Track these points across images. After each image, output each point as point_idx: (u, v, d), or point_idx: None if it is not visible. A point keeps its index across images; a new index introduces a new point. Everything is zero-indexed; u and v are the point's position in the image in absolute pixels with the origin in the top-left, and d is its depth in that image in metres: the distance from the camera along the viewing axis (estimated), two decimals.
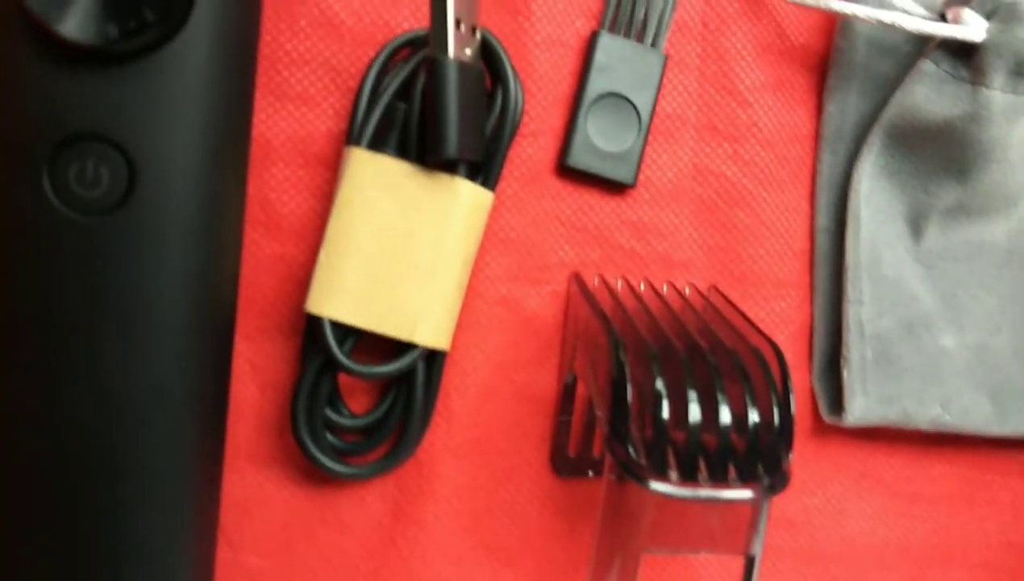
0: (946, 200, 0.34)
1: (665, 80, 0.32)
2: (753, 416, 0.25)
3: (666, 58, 0.32)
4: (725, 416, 0.24)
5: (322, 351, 0.28)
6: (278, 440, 0.30)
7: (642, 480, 0.24)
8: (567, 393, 0.32)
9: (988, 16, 0.30)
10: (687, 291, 0.33)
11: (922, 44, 0.32)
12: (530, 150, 0.32)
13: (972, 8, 0.30)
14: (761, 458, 0.25)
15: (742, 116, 0.33)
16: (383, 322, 0.28)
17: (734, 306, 0.30)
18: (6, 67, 0.23)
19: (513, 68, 0.29)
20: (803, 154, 0.34)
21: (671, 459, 0.24)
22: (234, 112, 0.26)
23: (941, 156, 0.33)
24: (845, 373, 0.33)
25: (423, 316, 0.28)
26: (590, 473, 0.33)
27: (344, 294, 0.28)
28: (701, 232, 0.33)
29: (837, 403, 0.34)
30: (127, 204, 0.24)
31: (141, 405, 0.25)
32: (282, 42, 0.29)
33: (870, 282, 0.33)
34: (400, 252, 0.28)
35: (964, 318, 0.35)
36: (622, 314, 0.28)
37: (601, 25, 0.31)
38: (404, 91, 0.29)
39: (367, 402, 0.31)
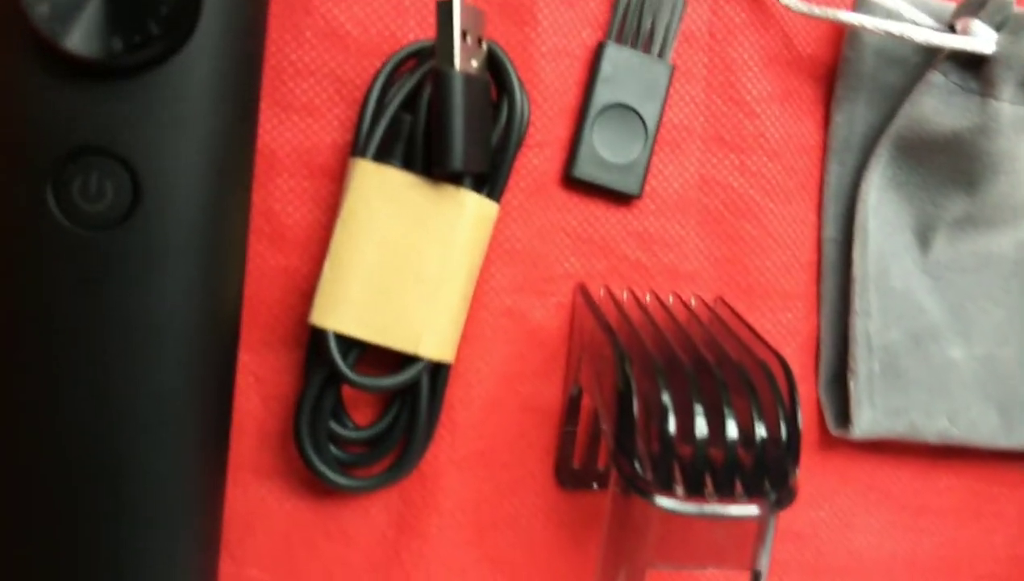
0: (954, 212, 0.33)
1: (672, 91, 0.32)
2: (760, 431, 0.24)
3: (673, 69, 0.32)
4: (732, 430, 0.24)
5: (326, 363, 0.28)
6: (281, 452, 0.30)
7: (648, 496, 0.24)
8: (572, 405, 0.32)
9: (998, 28, 0.30)
10: (693, 303, 0.32)
11: (931, 55, 0.32)
12: (536, 161, 0.31)
13: (981, 20, 0.30)
14: (768, 473, 0.24)
15: (749, 127, 0.33)
16: (387, 335, 0.28)
17: (740, 318, 0.30)
18: (11, 80, 0.23)
19: (519, 79, 0.29)
20: (810, 165, 0.34)
21: (677, 474, 0.24)
22: (239, 125, 0.26)
23: (949, 168, 0.32)
24: (852, 386, 0.33)
25: (428, 329, 0.28)
26: (595, 485, 0.33)
27: (348, 306, 0.28)
28: (707, 243, 0.33)
29: (844, 416, 0.34)
30: (131, 218, 0.24)
31: (144, 417, 0.25)
32: (287, 53, 0.29)
33: (877, 294, 0.33)
34: (405, 264, 0.28)
35: (972, 330, 0.34)
36: (628, 326, 0.28)
37: (607, 35, 0.31)
38: (410, 102, 0.29)
39: (371, 414, 0.31)
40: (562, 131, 0.32)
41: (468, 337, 0.31)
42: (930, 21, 0.31)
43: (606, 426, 0.26)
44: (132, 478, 0.25)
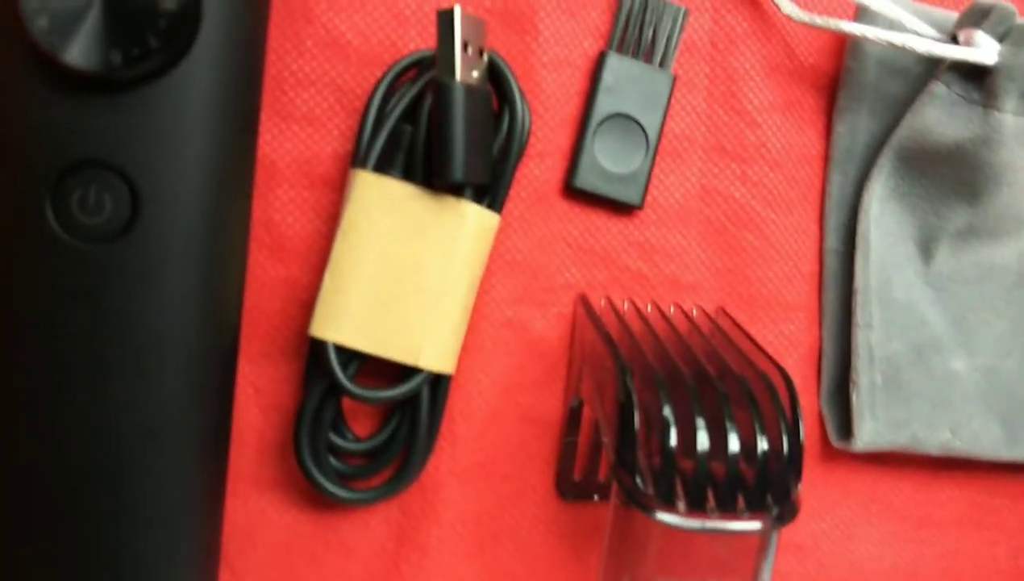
0: (957, 223, 0.33)
1: (673, 100, 0.32)
2: (762, 444, 0.24)
3: (674, 78, 0.31)
4: (734, 444, 0.24)
5: (326, 375, 0.28)
6: (281, 464, 0.30)
7: (649, 511, 0.23)
8: (573, 417, 0.32)
9: (1000, 39, 0.30)
10: (694, 313, 0.32)
11: (933, 66, 0.32)
12: (537, 171, 0.31)
13: (984, 30, 0.30)
14: (770, 487, 0.24)
15: (751, 137, 0.33)
16: (388, 346, 0.28)
17: (742, 329, 0.30)
18: (10, 93, 0.23)
19: (520, 89, 0.29)
20: (812, 175, 0.34)
21: (679, 488, 0.24)
22: (239, 137, 0.26)
23: (952, 178, 0.32)
24: (854, 397, 0.33)
25: (428, 340, 0.28)
26: (596, 497, 0.33)
27: (349, 318, 0.28)
28: (709, 254, 0.33)
29: (846, 428, 0.34)
30: (130, 231, 0.23)
31: (143, 430, 0.25)
32: (288, 63, 0.29)
33: (880, 305, 0.33)
34: (405, 275, 0.28)
35: (974, 341, 0.34)
36: (629, 338, 0.28)
37: (609, 45, 0.31)
38: (410, 113, 0.28)
39: (371, 426, 0.31)
40: (563, 141, 0.31)
41: (468, 348, 0.31)
42: (932, 32, 0.31)
43: (607, 439, 0.26)
44: (130, 487, 0.25)
